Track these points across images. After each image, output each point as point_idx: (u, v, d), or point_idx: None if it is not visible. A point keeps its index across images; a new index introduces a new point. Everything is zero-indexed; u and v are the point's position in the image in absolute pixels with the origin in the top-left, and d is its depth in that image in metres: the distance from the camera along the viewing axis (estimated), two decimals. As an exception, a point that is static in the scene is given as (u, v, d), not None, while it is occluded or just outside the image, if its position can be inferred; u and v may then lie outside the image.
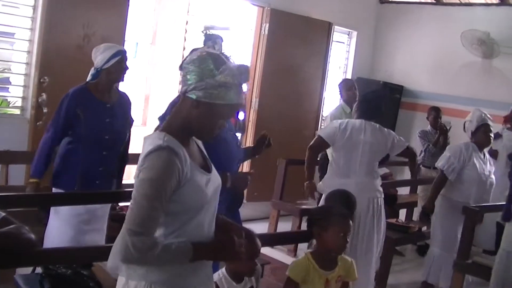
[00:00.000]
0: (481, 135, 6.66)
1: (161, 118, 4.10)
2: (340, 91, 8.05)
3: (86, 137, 4.90)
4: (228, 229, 2.83)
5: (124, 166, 5.39)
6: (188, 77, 2.62)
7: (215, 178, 2.81)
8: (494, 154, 8.34)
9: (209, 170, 2.78)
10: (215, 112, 2.63)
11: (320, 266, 3.74)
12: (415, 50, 10.95)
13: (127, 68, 5.05)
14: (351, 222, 3.82)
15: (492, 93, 9.88)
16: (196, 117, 2.64)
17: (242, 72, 2.63)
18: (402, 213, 9.00)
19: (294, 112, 9.73)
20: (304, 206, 8.18)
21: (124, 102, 5.23)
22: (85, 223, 4.96)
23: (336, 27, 10.37)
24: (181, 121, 2.67)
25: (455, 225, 6.64)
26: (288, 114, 9.60)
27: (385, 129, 6.17)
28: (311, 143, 6.28)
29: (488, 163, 6.77)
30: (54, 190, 5.00)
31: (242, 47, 10.14)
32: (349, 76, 10.92)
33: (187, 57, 2.77)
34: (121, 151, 5.21)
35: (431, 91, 10.68)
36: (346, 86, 8.04)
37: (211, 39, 5.61)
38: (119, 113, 5.09)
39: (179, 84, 2.72)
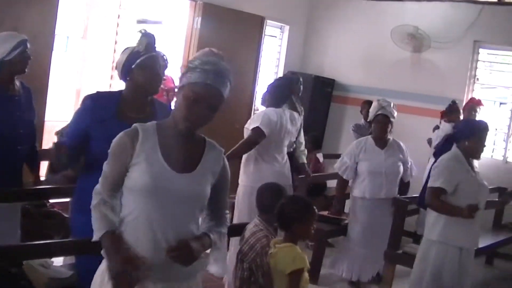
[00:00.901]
0: (375, 126, 6.85)
1: None
2: None
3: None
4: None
5: (38, 161, 5.25)
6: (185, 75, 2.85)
7: (191, 183, 2.84)
8: (430, 144, 8.61)
9: (182, 171, 2.82)
10: (190, 97, 2.79)
11: None
12: (347, 44, 11.07)
13: (29, 58, 4.83)
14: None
15: (422, 86, 10.08)
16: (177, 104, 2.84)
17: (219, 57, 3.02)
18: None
19: (227, 106, 9.64)
20: (234, 200, 8.19)
21: (28, 94, 5.00)
22: None
23: (268, 21, 10.41)
24: (172, 118, 2.86)
25: (361, 220, 6.89)
26: (221, 108, 9.58)
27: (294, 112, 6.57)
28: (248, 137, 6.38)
29: (385, 153, 6.85)
30: None
31: (174, 41, 10.11)
32: (281, 70, 10.98)
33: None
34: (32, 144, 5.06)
35: (363, 85, 10.82)
36: None
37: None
38: (26, 105, 4.92)
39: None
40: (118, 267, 2.64)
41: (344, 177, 7.00)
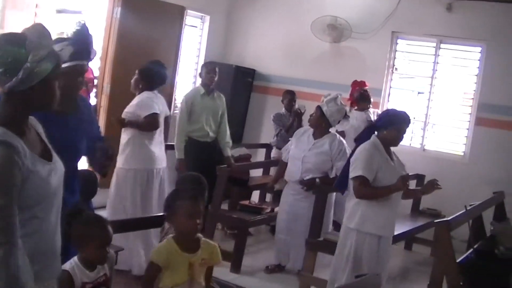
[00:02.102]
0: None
1: None
2: (201, 73, 8.09)
3: None
4: None
5: None
6: (4, 72, 2.46)
7: (58, 165, 2.72)
8: (341, 135, 8.65)
9: (50, 158, 2.68)
10: (47, 83, 2.54)
11: (183, 249, 3.72)
12: (268, 34, 11.10)
13: None
14: (200, 204, 3.84)
15: (342, 76, 10.18)
16: (34, 99, 2.54)
17: (44, 35, 2.56)
18: (256, 194, 9.15)
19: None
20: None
21: None
22: None
23: (189, 11, 10.33)
24: (14, 111, 2.54)
25: (286, 207, 6.99)
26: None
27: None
28: None
29: (317, 146, 6.92)
30: None
31: (94, 31, 9.96)
32: (201, 61, 10.93)
33: None
34: None
35: (283, 75, 10.87)
36: (206, 68, 8.08)
37: None
38: None
39: None
40: None
41: (282, 158, 7.27)
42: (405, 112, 5.43)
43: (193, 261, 3.74)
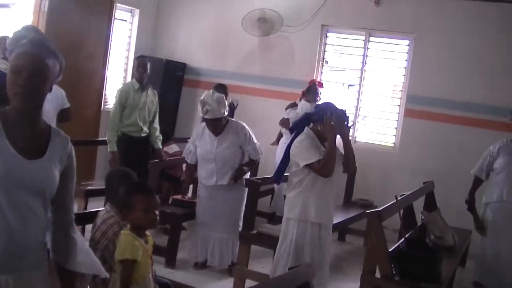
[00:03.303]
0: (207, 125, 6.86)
1: None
2: (133, 68, 8.07)
3: None
4: None
5: None
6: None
7: (42, 169, 2.73)
8: (285, 123, 8.74)
9: (33, 158, 2.70)
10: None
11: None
12: (198, 28, 11.07)
13: None
14: (153, 196, 3.87)
15: (273, 69, 10.26)
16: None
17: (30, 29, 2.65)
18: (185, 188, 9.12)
19: (76, 92, 9.49)
20: (89, 187, 8.07)
21: None
22: None
23: (118, 5, 10.24)
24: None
25: (205, 205, 6.97)
26: (70, 93, 9.33)
27: None
28: None
29: (222, 141, 6.83)
30: None
31: (22, 25, 9.75)
32: (131, 54, 10.84)
33: None
34: None
35: (214, 68, 10.87)
36: (136, 63, 8.08)
37: None
38: None
39: None
40: None
41: (189, 161, 7.10)
42: (342, 110, 5.49)
43: (149, 250, 3.83)
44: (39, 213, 2.74)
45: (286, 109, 9.19)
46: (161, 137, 8.11)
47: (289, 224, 5.40)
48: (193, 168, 7.06)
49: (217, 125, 6.70)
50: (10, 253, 2.65)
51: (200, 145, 6.90)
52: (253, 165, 7.09)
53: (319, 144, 5.33)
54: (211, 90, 6.80)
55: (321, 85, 9.29)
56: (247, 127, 6.95)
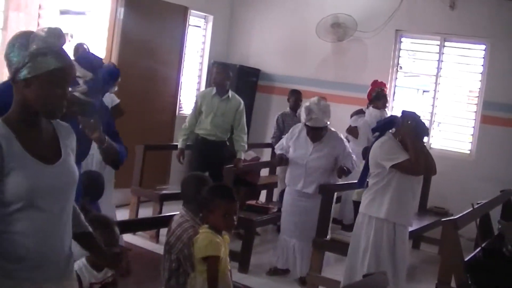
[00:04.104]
0: (307, 131, 6.74)
1: None
2: (210, 74, 8.17)
3: None
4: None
5: None
6: (10, 62, 2.56)
7: (66, 169, 2.72)
8: (353, 130, 8.67)
9: (53, 161, 2.67)
10: (45, 83, 2.55)
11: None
12: (271, 33, 11.10)
13: None
14: (234, 202, 3.95)
15: (346, 75, 10.20)
16: (32, 96, 2.56)
17: (53, 34, 2.59)
18: (263, 194, 9.14)
19: (151, 97, 9.66)
20: (164, 192, 8.17)
21: None
22: None
23: (192, 11, 10.34)
24: (18, 107, 2.60)
25: (285, 208, 6.93)
26: (145, 99, 9.52)
27: None
28: None
29: (312, 147, 6.77)
30: None
31: (98, 32, 9.95)
32: (205, 61, 10.94)
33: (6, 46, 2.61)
34: None
35: (288, 74, 10.87)
36: (213, 70, 8.18)
37: None
38: None
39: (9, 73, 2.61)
40: None
41: (276, 152, 7.15)
42: (425, 125, 5.53)
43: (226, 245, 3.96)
44: (67, 216, 2.75)
45: (351, 116, 9.12)
46: (246, 147, 8.10)
47: (364, 222, 5.44)
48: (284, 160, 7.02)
49: (317, 133, 6.67)
50: (46, 260, 2.65)
51: (294, 147, 6.86)
52: (347, 174, 6.92)
53: (400, 145, 5.31)
54: (316, 98, 6.74)
55: (383, 84, 9.20)
56: (345, 141, 6.95)
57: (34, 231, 2.57)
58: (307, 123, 6.59)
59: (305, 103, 6.68)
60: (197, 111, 7.95)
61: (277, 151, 7.09)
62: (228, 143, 8.09)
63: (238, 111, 8.00)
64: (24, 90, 2.55)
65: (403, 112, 5.53)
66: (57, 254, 2.68)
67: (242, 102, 8.12)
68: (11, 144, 2.51)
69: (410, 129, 5.28)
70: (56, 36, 2.59)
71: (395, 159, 5.23)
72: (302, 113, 6.63)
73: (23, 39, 2.55)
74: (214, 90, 7.97)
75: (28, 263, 2.57)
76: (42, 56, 2.52)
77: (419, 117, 5.48)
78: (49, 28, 2.60)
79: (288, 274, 6.97)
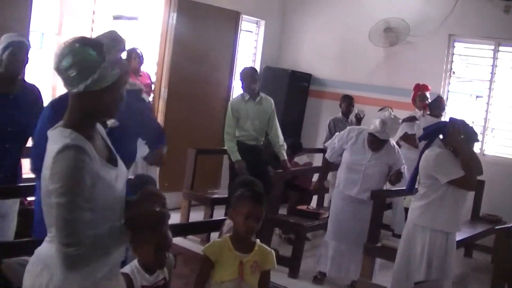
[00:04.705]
0: (368, 139, 6.64)
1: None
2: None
3: None
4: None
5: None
6: (74, 75, 2.54)
7: (123, 170, 2.79)
8: (409, 138, 8.55)
9: (115, 163, 2.74)
10: (115, 90, 2.61)
11: (236, 248, 3.72)
12: (322, 38, 11.08)
13: (23, 60, 4.97)
14: (261, 207, 3.79)
15: (398, 80, 10.13)
16: (104, 103, 2.61)
17: (117, 38, 2.63)
18: (313, 199, 9.12)
19: (203, 102, 9.72)
20: (215, 195, 8.21)
21: (29, 94, 5.11)
22: None
23: (244, 16, 10.39)
24: (80, 115, 2.61)
25: (338, 214, 6.80)
26: (197, 103, 9.59)
27: None
28: None
29: (371, 154, 6.67)
30: None
31: (150, 37, 10.06)
32: (257, 65, 10.97)
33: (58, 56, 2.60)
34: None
35: (339, 79, 10.84)
36: (244, 75, 8.04)
37: None
38: (23, 105, 4.98)
39: (65, 84, 2.62)
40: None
41: (328, 158, 6.97)
42: (474, 132, 5.48)
43: (244, 261, 3.73)
44: (122, 214, 2.77)
45: (402, 122, 8.99)
46: (285, 146, 8.05)
47: (417, 231, 5.37)
48: (328, 169, 6.95)
49: (381, 145, 6.61)
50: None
51: (351, 152, 6.74)
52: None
53: (455, 158, 5.25)
54: (390, 111, 6.71)
55: (426, 88, 9.11)
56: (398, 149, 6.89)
57: (105, 233, 2.62)
58: (375, 133, 6.51)
59: (381, 116, 6.54)
60: (235, 119, 7.81)
61: (328, 155, 6.97)
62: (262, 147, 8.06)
63: (271, 111, 7.95)
64: (94, 99, 2.57)
65: (451, 119, 5.46)
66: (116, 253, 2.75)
67: (272, 101, 8.04)
68: (93, 154, 2.56)
69: (462, 142, 5.23)
70: (119, 38, 2.64)
71: (451, 175, 5.16)
72: (377, 125, 6.48)
73: (89, 52, 2.55)
74: (245, 95, 7.88)
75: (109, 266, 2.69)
76: (112, 65, 2.56)
77: (468, 124, 5.42)
78: (110, 33, 2.64)
79: (325, 277, 6.94)
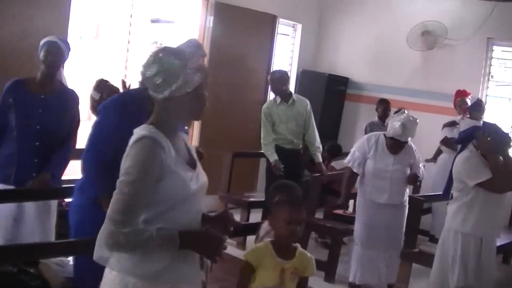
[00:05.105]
0: (389, 143, 6.54)
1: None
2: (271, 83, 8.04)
3: (17, 126, 4.93)
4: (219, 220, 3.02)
5: (61, 160, 5.29)
6: (159, 82, 2.72)
7: (201, 175, 2.92)
8: (449, 142, 8.47)
9: (194, 167, 2.89)
10: (200, 92, 2.79)
11: (278, 254, 3.70)
12: (359, 42, 11.05)
13: (56, 61, 5.04)
14: (302, 211, 3.76)
15: (436, 84, 10.05)
16: (193, 106, 2.80)
17: (197, 46, 2.79)
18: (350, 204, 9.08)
19: (240, 105, 9.75)
20: (251, 199, 8.22)
21: (65, 98, 5.19)
22: (19, 220, 4.93)
23: (280, 19, 10.40)
24: (167, 118, 2.80)
25: (367, 222, 6.67)
26: (234, 106, 9.62)
27: None
28: None
29: (394, 158, 6.58)
30: None
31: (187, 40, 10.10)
32: (294, 69, 10.97)
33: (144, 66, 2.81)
34: (58, 144, 5.15)
35: (376, 83, 10.80)
36: (272, 79, 8.00)
37: None
38: (55, 105, 5.08)
39: (151, 90, 2.79)
40: (215, 247, 2.82)
41: (355, 170, 6.73)
42: (507, 137, 5.40)
43: (285, 268, 3.72)
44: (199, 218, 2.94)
45: (443, 127, 8.92)
46: (321, 149, 7.99)
47: (450, 236, 5.36)
48: (355, 178, 6.87)
49: (401, 147, 6.53)
50: (183, 263, 2.83)
51: (374, 159, 6.62)
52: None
53: (484, 161, 5.22)
54: (407, 113, 6.62)
55: (466, 93, 9.03)
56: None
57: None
58: (395, 137, 6.44)
59: (400, 119, 6.45)
60: (269, 123, 7.78)
61: (353, 167, 6.75)
62: (301, 150, 8.01)
63: (307, 112, 7.85)
64: (179, 103, 2.76)
65: (484, 124, 5.42)
66: (194, 255, 2.88)
67: (308, 102, 7.94)
68: (169, 149, 2.74)
69: (489, 146, 5.19)
70: (198, 45, 2.92)
71: (478, 178, 5.16)
72: (397, 128, 6.36)
73: (173, 61, 2.73)
74: (277, 99, 7.84)
75: (166, 265, 2.75)
76: (194, 71, 2.74)
77: (500, 128, 5.37)
78: (190, 42, 2.96)
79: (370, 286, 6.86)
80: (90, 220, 3.78)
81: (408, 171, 6.65)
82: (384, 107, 9.24)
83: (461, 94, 8.99)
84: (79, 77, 10.08)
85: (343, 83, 11.13)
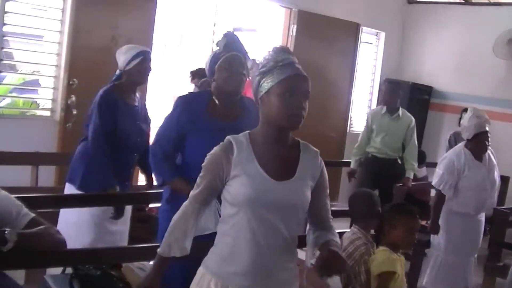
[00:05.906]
0: (477, 144, 6.19)
1: None
2: (380, 91, 8.08)
3: (121, 140, 4.89)
4: None
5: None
6: (263, 80, 2.81)
7: (292, 189, 2.81)
8: None
9: (283, 179, 2.79)
10: (283, 93, 2.78)
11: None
12: (444, 50, 10.87)
13: (150, 69, 5.03)
14: (417, 219, 4.01)
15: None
16: (274, 108, 2.77)
17: (281, 51, 2.88)
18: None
19: (323, 114, 9.69)
20: (333, 208, 8.15)
21: (143, 103, 5.26)
22: (108, 223, 4.96)
23: (364, 28, 10.35)
24: (263, 123, 2.84)
25: (458, 232, 6.40)
26: (317, 116, 9.56)
27: None
28: None
29: (485, 166, 6.30)
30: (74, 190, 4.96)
31: (268, 49, 10.14)
32: (377, 78, 10.89)
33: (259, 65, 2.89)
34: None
35: (461, 92, 10.60)
36: (383, 88, 8.06)
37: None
38: (142, 114, 5.14)
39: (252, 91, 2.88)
40: None
41: (447, 195, 6.35)
42: None
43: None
44: (285, 232, 2.81)
45: None
46: (415, 166, 7.86)
47: None
48: (444, 200, 6.62)
49: (487, 139, 6.21)
50: (260, 271, 2.76)
51: (469, 176, 6.27)
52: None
53: None
54: (469, 108, 6.47)
55: None
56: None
57: (250, 239, 2.74)
58: (481, 130, 6.12)
59: (469, 117, 6.19)
60: (369, 130, 7.90)
61: (444, 190, 6.34)
62: (399, 162, 7.91)
63: (409, 129, 7.79)
64: (266, 104, 2.79)
65: None
66: (269, 268, 2.80)
67: (413, 119, 7.90)
68: (243, 152, 2.77)
69: None
70: (284, 52, 2.86)
71: None
72: (475, 123, 6.09)
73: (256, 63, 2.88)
74: (384, 108, 7.87)
75: (238, 269, 2.76)
76: (278, 68, 2.80)
77: None
78: (276, 47, 2.88)
79: None
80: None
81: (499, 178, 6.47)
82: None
83: None
84: (163, 84, 10.22)
85: (427, 92, 10.98)
